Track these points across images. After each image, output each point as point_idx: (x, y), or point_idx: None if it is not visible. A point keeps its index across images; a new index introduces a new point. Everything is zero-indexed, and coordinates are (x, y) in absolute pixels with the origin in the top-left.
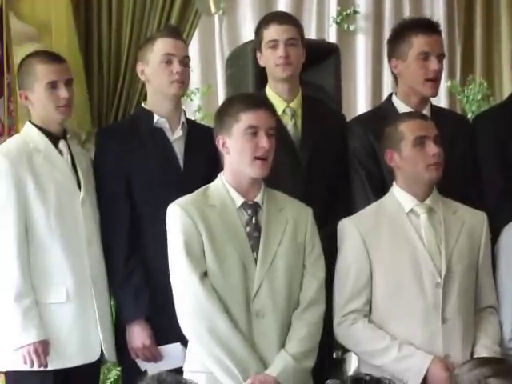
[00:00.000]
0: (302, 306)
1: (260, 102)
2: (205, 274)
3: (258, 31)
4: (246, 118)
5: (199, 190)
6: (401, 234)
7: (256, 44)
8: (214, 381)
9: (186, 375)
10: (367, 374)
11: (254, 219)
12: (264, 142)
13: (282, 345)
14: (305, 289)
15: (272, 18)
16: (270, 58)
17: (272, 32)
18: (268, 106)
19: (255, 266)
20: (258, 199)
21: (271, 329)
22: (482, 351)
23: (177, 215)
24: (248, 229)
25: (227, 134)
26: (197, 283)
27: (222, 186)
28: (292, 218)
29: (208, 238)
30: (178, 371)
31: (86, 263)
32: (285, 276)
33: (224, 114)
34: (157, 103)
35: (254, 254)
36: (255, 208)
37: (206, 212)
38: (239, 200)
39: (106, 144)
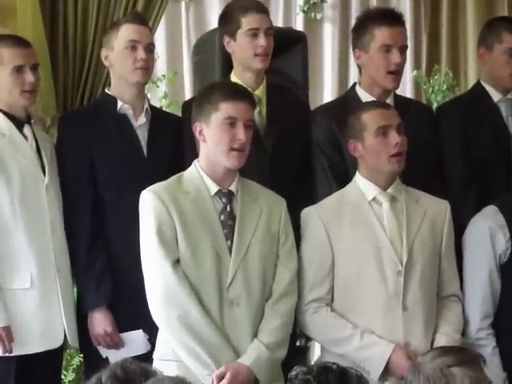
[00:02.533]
0: (274, 297)
1: (241, 92)
2: (177, 262)
3: (233, 17)
4: (226, 108)
5: (173, 176)
6: (363, 223)
7: (226, 30)
8: (184, 369)
9: (156, 363)
10: (334, 363)
11: (228, 207)
12: (241, 134)
13: (255, 334)
14: (278, 279)
15: (250, 5)
16: (247, 47)
17: (253, 20)
18: (249, 98)
19: (229, 254)
20: (233, 188)
21: (244, 318)
22: (441, 338)
23: (150, 201)
24: (222, 217)
25: (205, 121)
26: (169, 270)
27: (196, 174)
28: (266, 208)
29: (181, 225)
30: (144, 358)
31: (51, 249)
32: (259, 265)
33: (204, 101)
34: (120, 89)
35: (228, 242)
36: (230, 196)
37: (180, 199)
38: (214, 188)
39: (68, 129)
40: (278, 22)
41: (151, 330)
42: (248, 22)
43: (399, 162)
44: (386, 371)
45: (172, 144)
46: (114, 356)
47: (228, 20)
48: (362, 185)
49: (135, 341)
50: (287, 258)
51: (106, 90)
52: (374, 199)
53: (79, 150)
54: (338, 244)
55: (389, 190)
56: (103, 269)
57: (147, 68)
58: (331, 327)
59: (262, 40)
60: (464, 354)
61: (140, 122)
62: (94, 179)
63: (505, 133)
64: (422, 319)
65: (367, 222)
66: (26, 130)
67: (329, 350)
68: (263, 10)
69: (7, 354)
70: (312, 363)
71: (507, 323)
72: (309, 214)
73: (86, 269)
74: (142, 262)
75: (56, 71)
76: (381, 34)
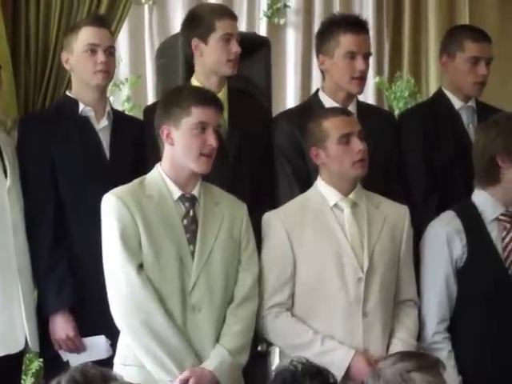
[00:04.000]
0: (236, 301)
1: (212, 98)
2: (141, 266)
3: (207, 21)
4: (198, 114)
5: (135, 180)
6: (325, 228)
7: (197, 33)
8: (146, 374)
9: (117, 368)
10: (312, 363)
11: (191, 212)
12: (212, 139)
13: (217, 339)
14: (239, 284)
15: (225, 11)
16: (221, 52)
17: (227, 25)
18: (218, 104)
19: (192, 259)
20: (195, 192)
21: (207, 322)
22: (397, 344)
23: (112, 205)
24: (185, 221)
25: (174, 125)
26: (133, 275)
27: (159, 177)
28: (228, 212)
29: (145, 229)
30: (105, 363)
31: (12, 252)
32: (221, 270)
33: (173, 104)
34: (82, 92)
35: (191, 247)
36: (192, 201)
37: (143, 203)
38: (177, 192)
39: (29, 132)
40: (242, 26)
41: (113, 335)
42: (223, 26)
43: (362, 168)
44: (346, 377)
45: (134, 147)
46: (74, 360)
47: (200, 23)
48: (323, 190)
49: (97, 346)
50: (249, 262)
51: (68, 93)
52: (335, 205)
53: (40, 152)
54: (300, 249)
55: (350, 196)
56: (65, 272)
57: (107, 71)
58: (292, 332)
59: (235, 46)
60: (423, 360)
61: (102, 125)
62: (55, 182)
63: (465, 140)
64: (381, 325)
65: (329, 228)
66: None
67: (289, 356)
68: (235, 17)
69: None
70: (273, 368)
71: (463, 327)
72: (270, 218)
73: (48, 271)
74: (105, 265)
75: (17, 73)
76: (346, 41)
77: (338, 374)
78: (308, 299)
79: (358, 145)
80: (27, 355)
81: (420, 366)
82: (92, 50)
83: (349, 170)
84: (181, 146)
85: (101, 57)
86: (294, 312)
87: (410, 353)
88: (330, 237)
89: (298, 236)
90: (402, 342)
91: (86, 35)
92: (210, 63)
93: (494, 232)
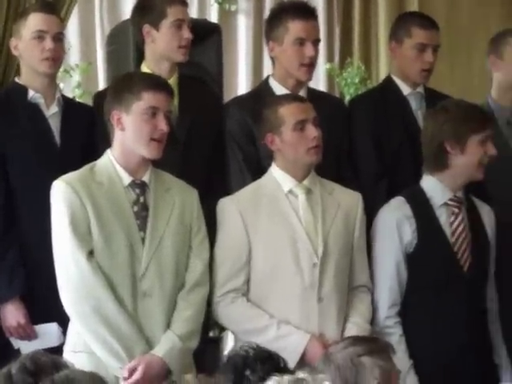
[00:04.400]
0: (187, 287)
1: (163, 83)
2: (91, 253)
3: (158, 7)
4: (148, 98)
5: (86, 166)
6: (279, 214)
7: (148, 19)
8: (96, 361)
9: (67, 355)
10: (262, 347)
11: (141, 198)
12: (163, 124)
13: (168, 325)
14: (190, 270)
15: None
16: (172, 38)
17: (179, 11)
18: (169, 89)
19: (142, 245)
20: (146, 178)
21: (158, 309)
22: (351, 328)
23: (62, 191)
24: (135, 208)
25: (125, 110)
26: (83, 261)
27: (109, 164)
28: (179, 199)
29: (94, 216)
30: (56, 351)
31: None
32: (172, 256)
33: (124, 89)
34: (30, 79)
35: (142, 233)
36: (143, 187)
37: (93, 189)
38: (127, 179)
39: None
40: (193, 13)
41: (65, 322)
42: (174, 13)
43: (317, 154)
44: (302, 361)
45: (85, 133)
46: (26, 347)
47: (151, 9)
48: (278, 176)
49: (49, 333)
50: (199, 248)
51: (17, 79)
52: (290, 191)
53: None
54: (255, 235)
55: (304, 182)
56: (16, 259)
57: (55, 59)
58: (247, 317)
59: (186, 32)
60: (374, 344)
61: (52, 112)
62: (4, 169)
63: (414, 126)
64: (336, 309)
65: (284, 214)
66: None
67: (244, 341)
68: (186, 4)
69: None
70: (225, 353)
71: (413, 312)
72: (225, 204)
73: None
74: (54, 252)
75: None
76: (295, 28)
77: (294, 358)
78: (263, 285)
79: (312, 131)
80: None
81: (370, 350)
82: (40, 36)
83: (303, 156)
84: (131, 130)
85: (49, 43)
86: (250, 297)
87: (361, 337)
88: (285, 222)
89: (253, 222)
90: (356, 326)
91: (34, 21)
92: (162, 49)
93: (443, 217)
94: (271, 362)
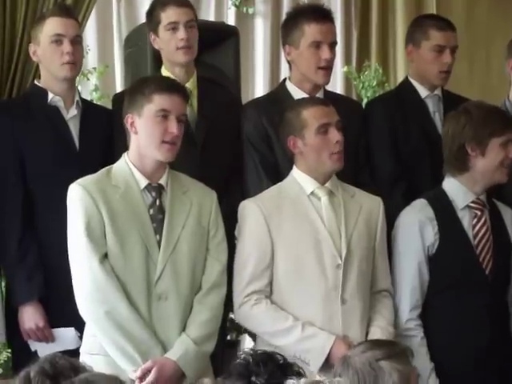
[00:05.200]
0: (204, 290)
1: (175, 86)
2: (105, 256)
3: (154, 13)
4: (159, 100)
5: (102, 170)
6: (302, 216)
7: (150, 27)
8: (112, 364)
9: (83, 357)
10: (279, 354)
11: (157, 201)
12: (174, 127)
13: (183, 328)
14: (207, 272)
15: (169, 0)
16: (169, 41)
17: (171, 14)
18: (182, 92)
19: (158, 248)
20: (163, 181)
21: (173, 312)
22: (376, 331)
23: (78, 195)
24: (151, 211)
25: (137, 113)
26: (96, 265)
27: (125, 167)
28: (196, 201)
29: (109, 220)
30: (73, 353)
31: None
32: (188, 259)
33: (137, 93)
34: (50, 82)
35: (157, 236)
36: (159, 190)
37: (109, 192)
38: (143, 182)
39: None
40: (210, 16)
41: (81, 324)
42: (167, 16)
43: (339, 161)
44: (326, 363)
45: (103, 137)
46: (43, 350)
47: (150, 16)
48: (300, 179)
49: (66, 337)
50: (217, 250)
51: (36, 82)
52: (312, 193)
53: (8, 141)
54: (278, 237)
55: (327, 185)
56: (35, 263)
57: (74, 62)
58: (271, 319)
59: (181, 33)
60: (392, 348)
61: (71, 115)
62: (23, 171)
63: (431, 128)
64: (359, 312)
65: (307, 215)
66: None
67: (267, 342)
68: (183, 3)
69: None
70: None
71: (435, 314)
72: (248, 206)
73: (17, 262)
74: (70, 256)
75: None
76: (310, 31)
77: (319, 359)
78: (287, 286)
79: (336, 135)
80: None
81: (389, 354)
82: (58, 40)
83: (326, 161)
84: (144, 133)
85: (67, 47)
86: (273, 299)
87: (379, 341)
88: (308, 224)
89: (276, 223)
90: (380, 329)
91: (51, 26)
92: (165, 54)
93: (465, 219)
94: (272, 361)
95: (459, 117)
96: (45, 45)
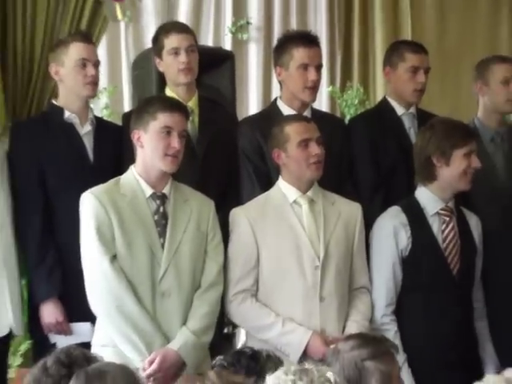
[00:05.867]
0: (202, 287)
1: (177, 105)
2: (114, 257)
3: (158, 39)
4: (163, 118)
5: (111, 180)
6: (285, 222)
7: (155, 51)
8: (120, 354)
9: (94, 348)
10: (248, 347)
11: (161, 208)
12: (176, 142)
13: (184, 322)
14: (206, 272)
15: (171, 27)
16: (172, 64)
17: (173, 40)
18: (183, 111)
19: (162, 250)
20: (166, 190)
21: (175, 307)
22: (351, 326)
23: (90, 202)
24: (156, 217)
25: (143, 129)
26: (107, 265)
27: (132, 178)
28: (196, 209)
29: (118, 224)
30: (86, 345)
31: None
32: (189, 260)
33: (143, 111)
34: (68, 101)
35: (161, 239)
36: (163, 198)
37: (117, 200)
38: (148, 191)
39: (20, 137)
40: (209, 41)
41: (95, 320)
42: (170, 42)
43: (317, 170)
44: (304, 354)
45: (115, 151)
46: (62, 342)
47: (155, 42)
48: (284, 188)
49: (82, 330)
50: (215, 252)
51: (53, 101)
52: (294, 201)
53: (30, 156)
54: (263, 241)
55: (308, 193)
56: (54, 262)
57: (96, 83)
58: (256, 315)
59: (182, 57)
60: (379, 347)
61: (85, 130)
62: (43, 182)
63: (407, 142)
64: (336, 308)
65: (289, 222)
66: None
67: (253, 336)
68: (184, 30)
69: None
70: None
71: (407, 311)
72: (236, 214)
73: (38, 264)
74: (82, 257)
75: (6, 85)
76: (299, 55)
77: (297, 352)
78: (270, 285)
79: (315, 149)
80: (17, 337)
81: (374, 354)
82: (83, 64)
83: (305, 170)
84: (149, 147)
85: (91, 70)
86: (258, 297)
87: (368, 339)
88: (290, 230)
89: (261, 229)
90: (356, 323)
91: (76, 50)
92: (169, 76)
93: (435, 225)
94: (243, 356)
95: (425, 131)
96: (69, 67)
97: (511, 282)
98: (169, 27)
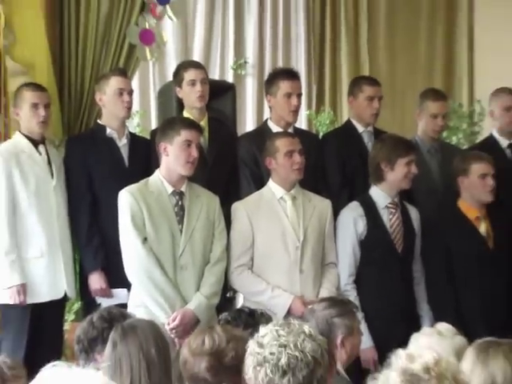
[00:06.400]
0: (211, 263)
1: (194, 124)
2: (145, 240)
3: (179, 73)
4: (185, 134)
5: (142, 180)
6: (274, 213)
7: (176, 82)
8: (149, 313)
9: (130, 308)
10: (246, 307)
11: (180, 202)
12: (195, 152)
13: (198, 288)
14: (213, 251)
15: (189, 64)
16: (190, 93)
17: (191, 74)
18: (199, 128)
19: (181, 234)
20: (183, 189)
21: (191, 277)
22: (324, 291)
23: (126, 198)
24: (176, 209)
25: (169, 142)
26: (139, 246)
27: (158, 179)
28: (205, 203)
29: (147, 215)
30: (123, 306)
31: (56, 229)
32: (201, 242)
33: (168, 128)
34: (109, 121)
35: (180, 226)
36: (181, 195)
37: (147, 196)
38: (170, 189)
39: (73, 148)
40: (216, 75)
41: (129, 287)
42: (188, 75)
43: (299, 174)
44: (288, 313)
45: (144, 158)
46: (105, 303)
47: (176, 75)
48: (273, 188)
49: (120, 295)
50: (220, 236)
51: (98, 121)
52: (281, 198)
53: (80, 162)
54: (257, 227)
55: (291, 192)
56: (99, 244)
57: (130, 107)
58: (251, 283)
59: (198, 87)
60: (343, 307)
61: (122, 143)
62: (90, 182)
63: (365, 153)
64: (312, 278)
65: (276, 213)
66: (40, 148)
67: (249, 299)
68: (199, 66)
69: (21, 303)
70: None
71: (364, 280)
72: (236, 207)
73: (86, 244)
74: (120, 239)
75: (63, 109)
76: (284, 86)
77: (283, 311)
78: (262, 261)
79: (297, 158)
80: (69, 300)
81: (340, 313)
82: (121, 93)
83: (290, 174)
84: (173, 156)
85: (127, 98)
86: (253, 270)
87: (336, 301)
88: (277, 219)
89: (256, 218)
90: (327, 290)
91: (116, 82)
92: (186, 102)
93: (385, 216)
94: (243, 313)
95: (377, 143)
96: (110, 95)
97: (443, 257)
98: (187, 64)
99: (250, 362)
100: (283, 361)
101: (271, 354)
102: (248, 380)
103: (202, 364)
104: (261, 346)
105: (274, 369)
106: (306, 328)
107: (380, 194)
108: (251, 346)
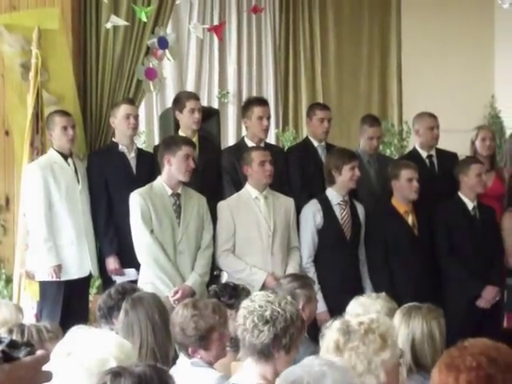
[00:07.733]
0: (202, 248)
1: (191, 141)
2: (152, 231)
3: (180, 101)
4: (185, 149)
5: (147, 185)
6: (250, 210)
7: (177, 108)
8: (155, 289)
9: (139, 284)
10: (231, 282)
11: (177, 201)
12: (192, 164)
13: (193, 268)
14: (203, 239)
15: (190, 95)
16: (189, 118)
17: (192, 103)
18: (193, 145)
19: (179, 226)
20: (180, 191)
21: (187, 260)
22: (290, 269)
23: (136, 198)
24: (174, 207)
25: (172, 155)
26: (148, 236)
27: (160, 184)
28: (197, 202)
29: (153, 211)
30: (134, 282)
31: (81, 223)
32: (194, 232)
33: (171, 144)
34: (120, 138)
35: (178, 220)
36: (178, 196)
37: (152, 197)
38: (169, 191)
39: (93, 160)
40: (204, 103)
41: (138, 267)
42: (189, 104)
43: (270, 179)
44: (263, 286)
45: (149, 167)
46: (119, 279)
47: (177, 102)
48: (249, 189)
49: (131, 273)
50: (208, 227)
51: (113, 139)
52: (256, 197)
53: (99, 172)
54: (237, 220)
55: (263, 193)
56: (113, 234)
57: (135, 128)
58: (234, 264)
59: (196, 114)
60: (304, 281)
61: (131, 156)
62: (107, 187)
63: (320, 162)
64: (281, 259)
65: (252, 209)
66: (69, 160)
67: (232, 276)
68: (197, 98)
69: (58, 279)
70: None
71: (320, 261)
72: (221, 205)
73: (104, 235)
74: (132, 231)
75: (85, 129)
76: (257, 110)
77: (259, 285)
78: (242, 247)
79: (268, 167)
80: (93, 278)
81: (301, 285)
82: (128, 117)
83: (262, 179)
84: (175, 166)
85: (132, 120)
86: (235, 253)
87: (298, 277)
88: (253, 215)
89: (236, 213)
90: (292, 268)
91: (124, 109)
92: (184, 123)
93: (337, 211)
94: (228, 287)
95: (328, 155)
96: (120, 118)
97: (381, 243)
98: (189, 95)
99: (241, 313)
100: (267, 313)
101: (260, 306)
102: (238, 326)
103: (175, 329)
104: (252, 301)
105: (260, 317)
106: (289, 297)
107: (333, 194)
108: (245, 302)
